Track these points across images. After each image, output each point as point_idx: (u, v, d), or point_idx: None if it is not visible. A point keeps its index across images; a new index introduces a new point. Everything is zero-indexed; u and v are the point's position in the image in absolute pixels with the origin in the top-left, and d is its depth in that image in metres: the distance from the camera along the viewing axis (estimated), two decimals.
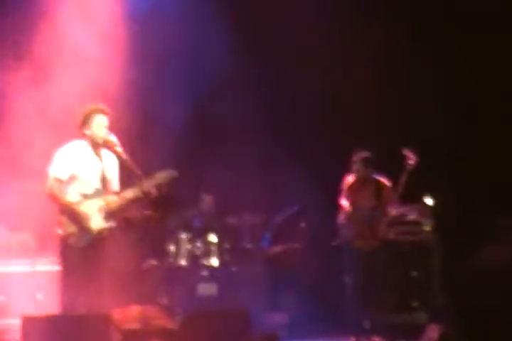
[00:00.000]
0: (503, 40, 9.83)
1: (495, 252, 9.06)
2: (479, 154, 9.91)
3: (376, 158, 8.84)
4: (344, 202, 8.94)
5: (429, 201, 8.94)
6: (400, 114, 9.83)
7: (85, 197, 7.45)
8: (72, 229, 7.41)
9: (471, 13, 9.86)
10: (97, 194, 7.48)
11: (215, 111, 9.78)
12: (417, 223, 9.44)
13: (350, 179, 8.94)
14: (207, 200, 9.82)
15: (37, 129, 8.38)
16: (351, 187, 8.93)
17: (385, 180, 8.88)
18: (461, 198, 9.59)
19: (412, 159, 8.72)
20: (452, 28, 9.98)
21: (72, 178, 7.42)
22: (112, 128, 7.50)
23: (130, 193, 7.45)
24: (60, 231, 7.45)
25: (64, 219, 7.41)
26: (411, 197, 9.02)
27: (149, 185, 7.36)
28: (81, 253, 7.41)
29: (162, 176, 7.46)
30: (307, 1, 9.82)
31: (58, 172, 7.37)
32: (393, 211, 8.89)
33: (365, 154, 8.81)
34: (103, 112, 7.46)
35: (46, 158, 7.59)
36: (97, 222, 7.44)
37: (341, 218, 8.96)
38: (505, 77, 9.82)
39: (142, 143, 8.63)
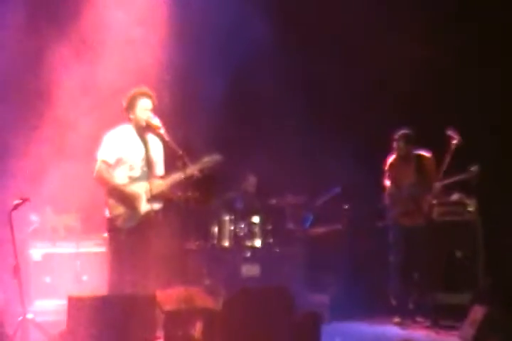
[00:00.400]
0: None
1: None
2: None
3: (416, 135, 8.93)
4: (387, 182, 9.05)
5: (475, 169, 8.83)
6: (445, 94, 9.80)
7: (132, 179, 7.61)
8: (119, 211, 7.55)
9: None
10: (144, 177, 7.62)
11: (255, 90, 9.75)
12: (460, 203, 9.45)
13: (391, 158, 9.08)
14: (251, 180, 9.89)
15: (82, 111, 8.48)
16: (393, 165, 9.10)
17: (425, 153, 8.99)
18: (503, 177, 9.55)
19: (455, 139, 8.72)
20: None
21: (119, 162, 7.56)
22: (154, 109, 7.59)
23: (175, 178, 7.55)
24: (107, 214, 7.59)
25: (112, 201, 7.55)
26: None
27: (194, 169, 7.46)
28: (128, 234, 7.54)
29: (207, 160, 7.56)
30: None
31: (106, 156, 7.51)
32: (437, 184, 8.83)
33: (404, 131, 8.96)
34: (146, 95, 7.57)
35: (91, 139, 7.75)
36: (143, 204, 7.58)
37: (386, 199, 9.07)
38: None
39: (184, 124, 8.61)
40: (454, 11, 9.87)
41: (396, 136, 9.01)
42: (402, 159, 9.07)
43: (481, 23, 9.76)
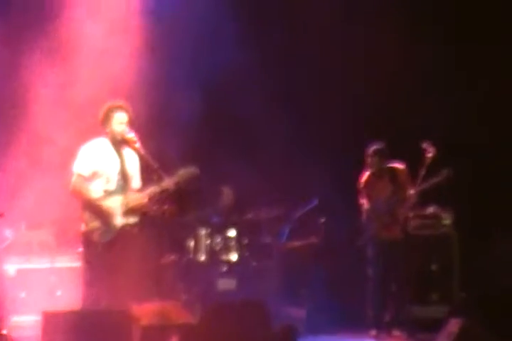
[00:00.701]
0: None
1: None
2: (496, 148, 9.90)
3: (388, 149, 8.93)
4: (363, 201, 9.07)
5: (446, 171, 8.85)
6: (419, 107, 9.87)
7: (108, 193, 7.62)
8: (95, 224, 7.57)
9: None
10: (119, 190, 7.65)
11: (230, 103, 9.77)
12: (436, 216, 9.55)
13: (365, 176, 9.07)
14: (226, 193, 9.78)
15: (57, 124, 8.55)
16: (367, 182, 9.10)
17: (398, 165, 9.00)
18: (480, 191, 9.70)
19: (430, 152, 8.80)
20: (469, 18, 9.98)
21: (94, 175, 7.59)
22: (130, 123, 7.65)
23: (150, 191, 7.60)
24: (83, 227, 7.62)
25: (87, 215, 7.57)
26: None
27: (170, 182, 7.53)
28: (103, 248, 7.55)
29: (183, 173, 7.62)
30: None
31: (82, 169, 7.55)
32: (411, 191, 8.86)
33: (376, 146, 8.95)
34: (122, 108, 7.62)
35: (66, 153, 7.81)
36: (119, 218, 7.61)
37: (363, 216, 9.08)
38: None
39: (159, 137, 8.72)
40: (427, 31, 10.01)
41: (369, 152, 8.99)
42: (376, 175, 9.05)
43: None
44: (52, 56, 8.67)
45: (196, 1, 9.35)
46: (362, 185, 9.10)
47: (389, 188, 9.01)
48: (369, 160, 9.02)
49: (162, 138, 8.84)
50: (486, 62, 9.88)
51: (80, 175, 7.56)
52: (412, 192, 8.87)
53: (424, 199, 9.17)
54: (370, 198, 9.08)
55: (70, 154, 7.72)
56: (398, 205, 8.96)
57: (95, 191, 7.59)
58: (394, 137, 9.14)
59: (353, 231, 9.30)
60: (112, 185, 7.64)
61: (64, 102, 8.60)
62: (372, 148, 8.97)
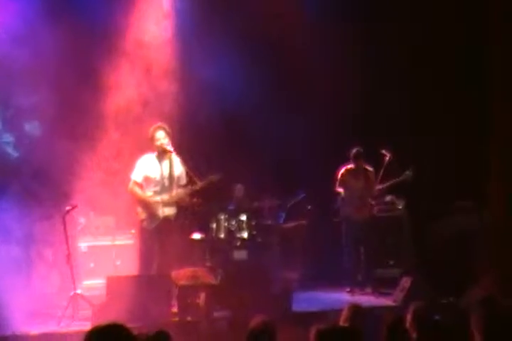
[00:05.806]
0: None
1: (449, 224, 9.66)
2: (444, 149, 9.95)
3: (364, 152, 9.25)
4: (340, 189, 9.42)
5: (409, 172, 9.15)
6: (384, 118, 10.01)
7: (155, 193, 8.22)
8: (145, 215, 8.18)
9: None
10: (164, 191, 8.20)
11: (247, 125, 9.62)
12: (392, 203, 9.85)
13: (346, 169, 9.31)
14: (239, 188, 10.01)
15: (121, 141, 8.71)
16: (348, 175, 9.33)
17: (368, 167, 9.39)
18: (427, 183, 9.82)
19: (388, 156, 9.26)
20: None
21: (145, 180, 8.20)
22: (171, 139, 8.14)
23: (188, 189, 8.20)
24: (136, 218, 8.25)
25: (139, 209, 8.21)
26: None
27: (202, 184, 8.10)
28: (151, 232, 8.16)
29: (211, 178, 8.16)
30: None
31: (136, 177, 8.22)
32: (379, 186, 9.20)
33: (356, 150, 9.25)
34: (162, 128, 8.19)
35: (130, 164, 8.32)
36: (162, 210, 8.19)
37: (340, 200, 9.43)
38: None
39: (192, 149, 8.85)
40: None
41: (355, 153, 9.16)
42: (355, 171, 9.30)
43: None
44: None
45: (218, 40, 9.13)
46: (340, 176, 9.29)
47: (361, 182, 9.32)
48: (355, 159, 9.18)
49: (194, 151, 8.86)
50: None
51: (135, 181, 8.17)
52: (379, 187, 9.21)
53: (388, 189, 9.40)
54: (348, 186, 9.29)
55: (132, 164, 8.19)
56: (367, 196, 9.32)
57: (146, 191, 8.12)
58: (366, 143, 9.29)
59: (331, 211, 9.58)
60: (158, 187, 8.17)
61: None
62: (358, 150, 9.16)
